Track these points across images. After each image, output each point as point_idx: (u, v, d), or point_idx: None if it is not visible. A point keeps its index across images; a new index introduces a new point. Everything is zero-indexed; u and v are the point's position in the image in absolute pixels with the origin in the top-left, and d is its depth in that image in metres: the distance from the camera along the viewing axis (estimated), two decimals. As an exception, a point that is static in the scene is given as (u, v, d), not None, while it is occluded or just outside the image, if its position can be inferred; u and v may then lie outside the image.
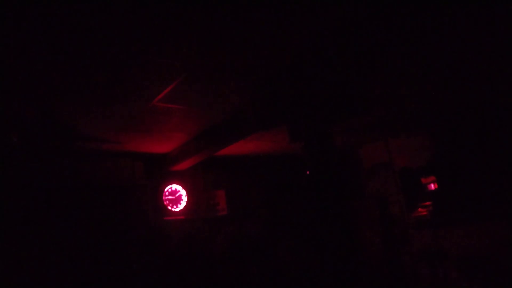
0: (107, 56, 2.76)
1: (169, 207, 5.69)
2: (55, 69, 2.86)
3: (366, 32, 2.77)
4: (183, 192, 5.86)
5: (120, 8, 2.24)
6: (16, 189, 4.41)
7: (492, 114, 5.07)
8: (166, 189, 5.73)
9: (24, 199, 4.45)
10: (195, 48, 2.80)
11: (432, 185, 5.75)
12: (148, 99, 3.59)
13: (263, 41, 2.80)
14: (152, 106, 3.76)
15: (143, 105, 3.73)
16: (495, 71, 3.85)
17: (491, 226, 5.03)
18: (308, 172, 3.40)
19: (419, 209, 5.80)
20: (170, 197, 5.75)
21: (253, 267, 5.91)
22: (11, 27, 2.30)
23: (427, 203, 5.72)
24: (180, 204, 5.80)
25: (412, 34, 2.92)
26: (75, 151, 4.89)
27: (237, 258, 5.89)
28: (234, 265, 5.81)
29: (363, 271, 3.36)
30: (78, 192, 4.90)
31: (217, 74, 3.26)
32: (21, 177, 4.47)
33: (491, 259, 4.98)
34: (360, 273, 3.21)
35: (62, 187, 4.79)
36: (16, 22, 2.25)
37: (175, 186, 5.82)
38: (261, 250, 6.11)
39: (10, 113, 3.59)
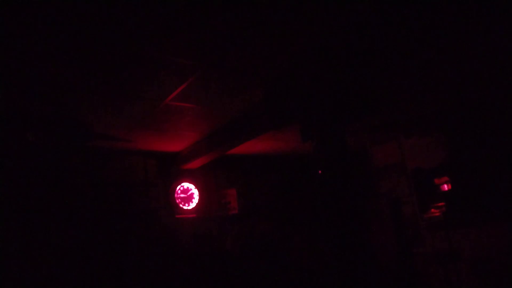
0: (121, 55, 2.79)
1: (181, 205, 5.73)
2: (70, 68, 2.91)
3: (380, 31, 2.75)
4: (195, 191, 5.89)
5: (134, 6, 2.26)
6: (30, 186, 4.49)
7: (507, 114, 4.99)
8: (178, 187, 5.77)
9: (39, 196, 4.52)
10: (208, 47, 2.81)
11: (445, 186, 5.68)
12: (161, 98, 3.63)
13: (276, 40, 2.80)
14: (165, 105, 3.80)
15: (156, 104, 3.76)
16: (510, 70, 3.79)
17: (505, 227, 4.95)
18: (320, 172, 3.39)
19: (432, 210, 5.73)
20: (182, 195, 5.79)
21: (264, 265, 5.92)
22: (28, 27, 2.34)
23: (440, 204, 5.65)
24: (192, 202, 5.84)
25: (426, 33, 2.89)
26: (89, 149, 4.96)
27: (249, 257, 5.90)
28: (246, 263, 5.83)
29: (375, 271, 3.35)
30: (91, 189, 4.97)
31: (229, 73, 3.27)
32: (36, 175, 4.55)
33: (505, 261, 4.91)
34: (372, 273, 3.19)
35: (76, 185, 4.86)
36: (33, 21, 2.29)
37: (187, 185, 5.86)
38: (272, 249, 6.11)
39: (25, 112, 3.65)
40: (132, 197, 5.29)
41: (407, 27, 2.74)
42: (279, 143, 5.67)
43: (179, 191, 5.78)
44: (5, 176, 4.31)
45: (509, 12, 2.67)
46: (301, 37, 2.79)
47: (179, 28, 2.52)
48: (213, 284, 5.49)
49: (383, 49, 2.94)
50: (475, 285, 5.13)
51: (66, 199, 4.71)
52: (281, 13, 2.47)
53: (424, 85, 3.98)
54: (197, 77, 3.26)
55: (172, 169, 5.75)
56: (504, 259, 4.91)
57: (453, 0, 2.49)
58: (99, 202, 4.98)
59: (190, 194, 5.86)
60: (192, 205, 5.82)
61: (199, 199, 5.88)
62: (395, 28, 2.74)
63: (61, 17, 2.28)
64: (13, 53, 2.62)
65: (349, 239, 3.08)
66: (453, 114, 5.16)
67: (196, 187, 5.90)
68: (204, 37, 2.66)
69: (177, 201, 5.72)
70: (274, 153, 6.29)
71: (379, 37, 2.81)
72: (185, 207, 5.75)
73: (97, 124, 4.15)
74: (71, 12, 2.24)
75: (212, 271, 5.57)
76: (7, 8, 2.13)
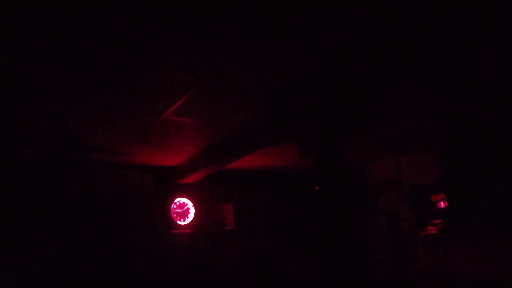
0: (120, 70, 2.80)
1: (177, 220, 5.69)
2: (68, 82, 2.91)
3: (376, 48, 2.78)
4: (190, 206, 5.85)
5: (133, 23, 2.28)
6: (27, 199, 4.45)
7: (503, 131, 5.02)
8: (174, 202, 5.73)
9: (35, 209, 4.48)
10: (206, 63, 2.83)
11: (442, 203, 5.67)
12: (159, 112, 3.63)
13: (275, 56, 2.82)
14: (162, 119, 3.79)
15: (154, 118, 3.76)
16: (507, 86, 3.83)
17: (503, 246, 4.93)
18: (317, 187, 3.38)
19: (429, 227, 5.71)
20: (178, 210, 5.75)
21: (260, 281, 5.84)
22: (28, 42, 2.35)
23: (437, 221, 5.64)
24: (188, 217, 5.80)
25: (422, 51, 2.93)
26: (86, 162, 4.94)
27: (245, 273, 5.83)
28: (241, 279, 5.76)
29: (372, 289, 3.31)
30: (87, 203, 4.92)
31: (228, 89, 3.29)
32: (32, 188, 4.51)
33: (502, 280, 4.87)
34: (369, 291, 3.16)
35: (73, 198, 4.82)
36: (34, 39, 2.31)
37: (183, 199, 5.82)
38: (268, 264, 6.05)
39: (23, 125, 3.64)
40: (127, 211, 5.24)
41: (405, 44, 2.78)
42: (277, 158, 5.66)
43: (175, 206, 5.74)
44: (2, 189, 4.26)
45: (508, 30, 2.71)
46: (299, 54, 2.81)
47: (178, 44, 2.54)
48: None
49: (380, 66, 2.97)
50: (473, 304, 5.08)
51: (62, 213, 4.66)
52: (280, 33, 2.50)
53: (421, 102, 4.01)
54: (195, 92, 3.27)
55: (169, 183, 5.72)
56: (502, 278, 4.87)
57: (446, 17, 2.53)
58: (95, 215, 4.94)
59: (186, 209, 5.82)
60: (188, 220, 5.78)
61: (195, 214, 5.84)
62: (392, 45, 2.77)
63: (61, 33, 2.29)
64: (13, 67, 2.63)
65: (346, 256, 3.05)
66: (450, 131, 5.18)
67: (192, 202, 5.87)
68: (203, 53, 2.68)
69: (173, 216, 5.67)
70: (271, 168, 6.28)
71: (377, 54, 2.84)
72: (180, 222, 5.71)
73: (95, 137, 4.14)
74: (70, 28, 2.25)
75: (207, 287, 5.49)
76: (10, 23, 2.14)
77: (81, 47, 2.47)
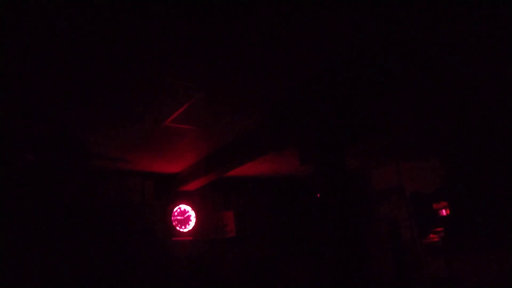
0: (122, 77, 2.81)
1: (178, 228, 5.67)
2: (71, 88, 2.92)
3: (378, 56, 2.79)
4: (191, 213, 5.84)
5: (136, 30, 2.30)
6: (28, 206, 4.44)
7: (505, 138, 5.02)
8: (175, 209, 5.72)
9: (36, 216, 4.47)
10: (208, 71, 2.84)
11: (444, 211, 5.65)
12: (161, 119, 3.64)
13: (276, 64, 2.84)
14: (164, 127, 3.80)
15: (155, 125, 3.77)
16: (508, 93, 3.84)
17: (504, 253, 4.91)
18: (318, 195, 3.38)
19: (431, 235, 5.69)
20: (179, 217, 5.74)
21: (261, 290, 5.81)
22: (30, 48, 2.37)
23: (439, 229, 5.61)
24: (189, 224, 5.78)
25: (423, 59, 2.94)
26: (88, 169, 4.94)
27: (246, 280, 5.80)
28: (243, 286, 5.73)
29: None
30: (89, 210, 4.92)
31: (229, 96, 3.30)
32: (34, 194, 4.51)
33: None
34: (371, 300, 3.14)
35: (74, 205, 4.81)
36: (35, 45, 2.33)
37: (184, 207, 5.81)
38: (270, 272, 6.02)
39: (25, 132, 3.65)
40: (128, 218, 5.24)
41: (406, 52, 2.79)
42: (278, 166, 5.66)
43: (176, 213, 5.73)
44: (3, 196, 4.26)
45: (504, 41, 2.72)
46: (301, 61, 2.82)
47: (180, 52, 2.56)
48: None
49: (382, 74, 2.98)
50: (476, 312, 5.04)
51: (63, 220, 4.65)
52: (282, 42, 2.51)
53: (422, 109, 4.02)
54: (196, 100, 3.28)
55: (170, 190, 5.71)
56: (504, 285, 4.84)
57: (443, 29, 2.54)
58: (96, 222, 4.93)
59: (187, 216, 5.81)
60: (189, 227, 5.76)
61: (196, 222, 5.82)
62: (391, 56, 2.78)
63: (63, 39, 2.31)
64: (14, 73, 2.64)
65: (347, 262, 3.04)
66: (451, 139, 5.18)
67: (193, 209, 5.86)
68: (205, 60, 2.69)
69: (174, 224, 5.66)
70: (272, 175, 6.27)
71: (379, 61, 2.85)
72: (181, 230, 5.69)
73: (97, 144, 4.15)
74: (72, 33, 2.27)
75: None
76: (11, 26, 2.16)
77: (83, 54, 2.49)
